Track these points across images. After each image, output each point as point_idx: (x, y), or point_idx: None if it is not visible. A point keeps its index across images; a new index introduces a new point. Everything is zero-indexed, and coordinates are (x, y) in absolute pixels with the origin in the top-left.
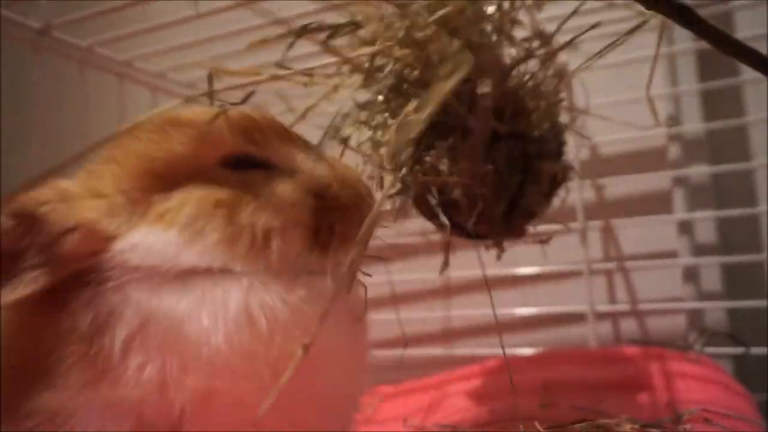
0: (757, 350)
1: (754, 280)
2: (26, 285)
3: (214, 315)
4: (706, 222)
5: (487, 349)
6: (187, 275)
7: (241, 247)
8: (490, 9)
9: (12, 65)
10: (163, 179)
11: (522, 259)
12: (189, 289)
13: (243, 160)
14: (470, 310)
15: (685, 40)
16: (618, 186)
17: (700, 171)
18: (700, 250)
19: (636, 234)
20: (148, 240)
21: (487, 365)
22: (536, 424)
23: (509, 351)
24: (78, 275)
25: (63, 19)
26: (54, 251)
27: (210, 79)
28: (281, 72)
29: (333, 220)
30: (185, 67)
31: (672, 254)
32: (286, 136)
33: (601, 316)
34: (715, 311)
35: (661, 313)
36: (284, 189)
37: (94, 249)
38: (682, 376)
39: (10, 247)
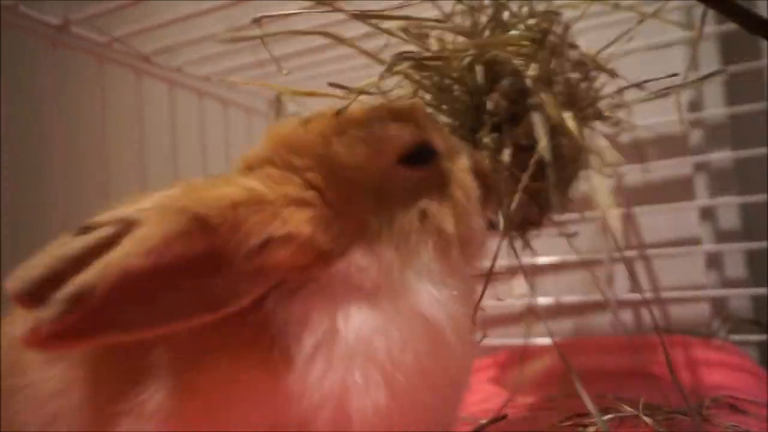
0: None
1: None
2: (237, 297)
3: (405, 332)
4: (728, 208)
5: (506, 339)
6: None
7: (453, 254)
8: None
9: (30, 61)
10: (361, 188)
11: (542, 249)
12: (380, 305)
13: (420, 151)
14: (488, 300)
15: (707, 24)
16: (638, 172)
17: (722, 156)
18: (723, 236)
19: (658, 221)
20: (368, 262)
21: (501, 356)
22: None
23: (529, 341)
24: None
25: (81, 15)
26: (261, 260)
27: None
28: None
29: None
30: (202, 61)
31: (694, 241)
32: (433, 120)
33: (623, 305)
34: (739, 298)
35: (685, 300)
36: (464, 179)
37: (305, 263)
38: (706, 363)
39: (214, 250)
